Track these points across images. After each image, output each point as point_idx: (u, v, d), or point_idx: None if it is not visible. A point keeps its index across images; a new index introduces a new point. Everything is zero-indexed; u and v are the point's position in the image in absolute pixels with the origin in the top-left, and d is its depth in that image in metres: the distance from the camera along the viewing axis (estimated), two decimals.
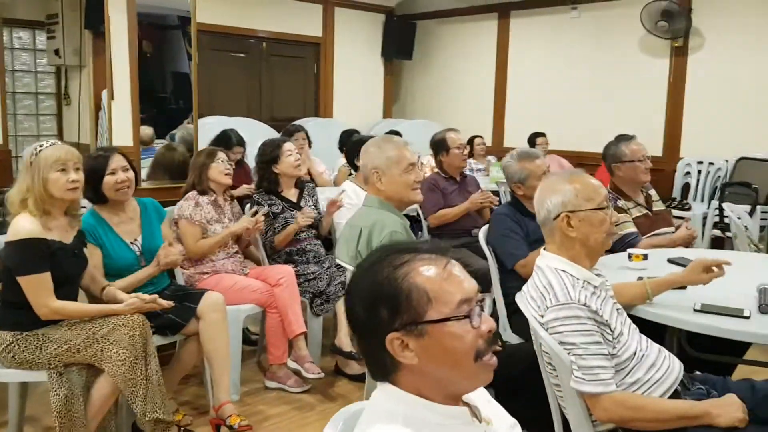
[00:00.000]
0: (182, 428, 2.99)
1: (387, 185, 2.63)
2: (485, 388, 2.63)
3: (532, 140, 7.54)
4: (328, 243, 4.38)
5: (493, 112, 8.57)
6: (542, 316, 2.01)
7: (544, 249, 2.16)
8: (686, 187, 6.98)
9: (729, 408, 1.90)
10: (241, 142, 5.34)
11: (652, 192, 3.81)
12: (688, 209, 6.46)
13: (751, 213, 5.68)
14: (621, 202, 3.55)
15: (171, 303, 2.94)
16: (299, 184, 4.23)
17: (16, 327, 2.70)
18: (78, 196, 2.80)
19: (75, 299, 2.84)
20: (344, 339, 3.76)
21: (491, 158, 7.47)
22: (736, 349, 2.79)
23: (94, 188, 3.05)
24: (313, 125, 7.36)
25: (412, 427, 1.18)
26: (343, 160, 5.68)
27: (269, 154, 4.09)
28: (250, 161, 5.16)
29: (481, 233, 3.48)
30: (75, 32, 5.60)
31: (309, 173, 5.75)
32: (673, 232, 3.60)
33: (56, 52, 5.89)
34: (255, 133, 6.24)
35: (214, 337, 3.13)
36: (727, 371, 2.87)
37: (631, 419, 1.92)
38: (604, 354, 1.93)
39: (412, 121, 8.57)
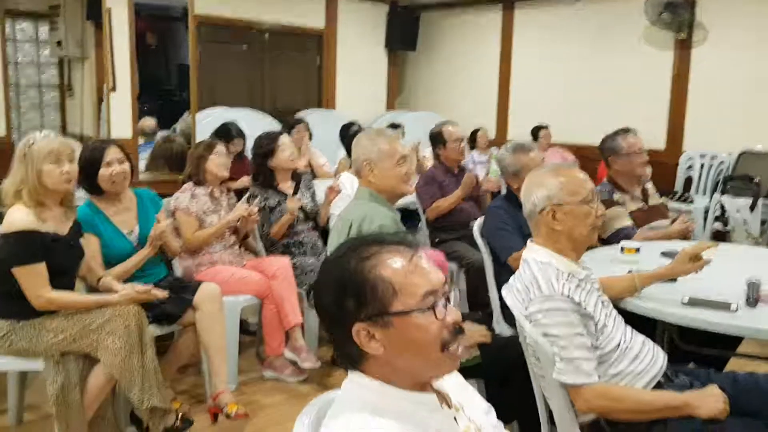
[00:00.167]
0: (180, 416, 3.02)
1: (379, 177, 2.65)
2: (474, 378, 2.68)
3: (535, 133, 7.54)
4: (326, 235, 4.39)
5: (497, 104, 8.57)
6: (526, 308, 2.03)
7: (531, 242, 2.18)
8: (688, 181, 6.97)
9: (710, 399, 1.92)
10: (242, 135, 5.35)
11: (649, 185, 3.82)
12: (690, 202, 6.46)
13: (753, 206, 5.67)
14: (617, 195, 3.56)
15: (165, 293, 2.97)
16: (295, 177, 4.25)
17: (12, 316, 2.74)
18: (72, 187, 2.83)
19: (71, 290, 2.87)
20: None
21: (494, 150, 7.47)
22: (729, 342, 2.80)
23: (89, 180, 3.08)
24: (316, 117, 7.37)
25: (380, 415, 1.21)
26: (343, 152, 5.70)
27: (264, 148, 4.11)
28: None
29: (476, 226, 3.49)
30: (77, 24, 5.61)
31: (310, 165, 5.77)
32: (669, 225, 3.60)
33: (59, 43, 5.90)
34: (257, 124, 6.26)
35: (210, 327, 3.16)
36: (721, 364, 2.88)
37: (612, 410, 1.95)
38: (587, 346, 1.95)
39: (415, 113, 8.56)
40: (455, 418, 1.31)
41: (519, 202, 3.34)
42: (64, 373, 2.70)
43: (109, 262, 3.10)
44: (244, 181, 4.79)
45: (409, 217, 5.40)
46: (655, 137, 7.07)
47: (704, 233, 6.17)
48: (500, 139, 8.15)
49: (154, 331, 3.05)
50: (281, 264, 3.78)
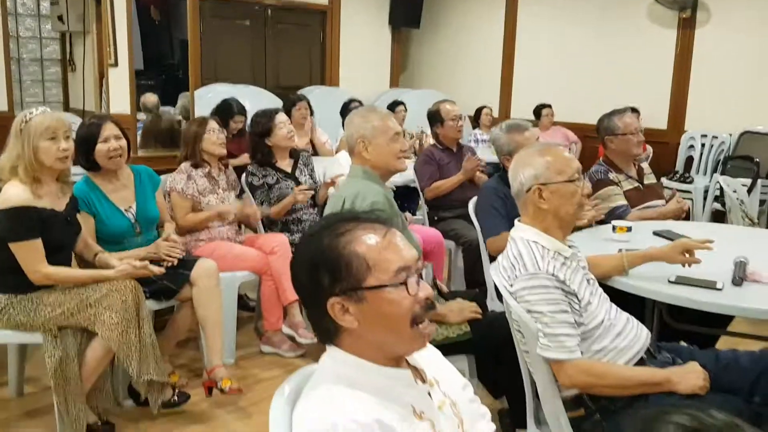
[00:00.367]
0: (177, 389, 3.06)
1: (373, 154, 2.65)
2: (465, 354, 2.71)
3: (538, 111, 7.55)
4: None
5: (501, 82, 8.55)
6: (512, 286, 2.06)
7: (518, 221, 2.21)
8: (689, 161, 6.97)
9: (690, 375, 1.95)
10: (243, 111, 5.36)
11: (645, 165, 3.83)
12: (690, 182, 6.46)
13: (752, 187, 5.68)
14: (612, 175, 3.57)
15: (162, 269, 2.99)
16: (294, 154, 4.24)
17: (10, 290, 2.78)
18: (68, 164, 2.84)
19: (68, 265, 2.90)
20: None
21: None
22: (720, 320, 2.82)
23: (86, 156, 3.09)
24: (319, 94, 7.37)
25: (356, 388, 1.25)
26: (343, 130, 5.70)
27: (262, 126, 4.08)
28: None
29: (471, 204, 3.51)
30: None
31: (311, 143, 5.78)
32: (663, 205, 3.62)
33: (60, 18, 5.89)
34: (259, 101, 6.26)
35: (206, 303, 3.18)
36: (711, 342, 2.91)
37: (594, 385, 1.98)
38: (570, 322, 1.98)
39: (419, 90, 8.55)
40: (429, 393, 1.34)
41: None
42: (62, 347, 2.74)
43: (107, 239, 3.12)
44: (245, 158, 4.81)
45: (408, 195, 5.42)
46: (657, 117, 7.07)
47: (703, 214, 6.19)
48: (503, 118, 8.13)
49: (151, 306, 3.09)
50: (280, 240, 3.80)
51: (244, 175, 4.12)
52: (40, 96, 6.25)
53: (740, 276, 2.37)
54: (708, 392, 1.95)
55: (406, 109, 6.75)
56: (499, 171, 3.63)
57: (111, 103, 4.77)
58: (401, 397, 1.28)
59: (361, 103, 5.93)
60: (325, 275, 1.27)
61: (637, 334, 2.12)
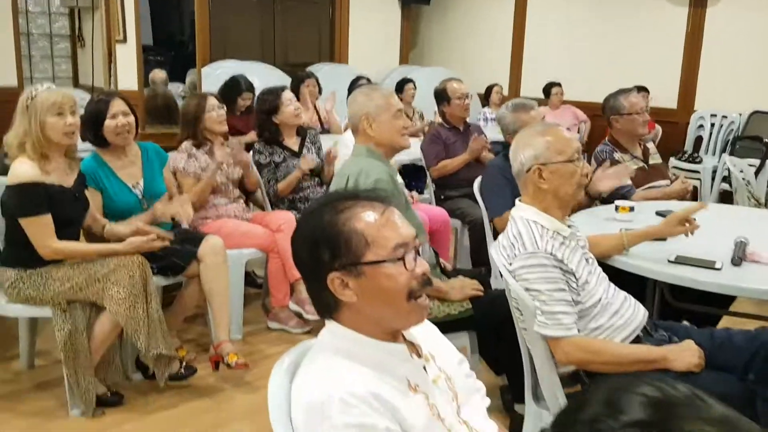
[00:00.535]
0: (185, 363, 3.12)
1: (377, 131, 2.67)
2: (467, 330, 2.75)
3: (548, 90, 7.53)
4: None
5: (511, 60, 8.51)
6: (511, 264, 2.08)
7: (519, 200, 2.23)
8: (698, 141, 6.94)
9: (685, 353, 1.98)
10: (251, 88, 5.36)
11: (650, 145, 3.83)
12: (699, 162, 6.44)
13: (760, 167, 5.64)
14: (618, 155, 3.58)
15: (170, 236, 3.01)
16: (301, 132, 4.25)
17: (20, 265, 2.83)
18: (75, 140, 2.88)
19: (77, 240, 2.95)
20: None
21: None
22: (723, 300, 2.85)
23: (95, 132, 3.12)
24: (328, 71, 7.36)
25: (353, 361, 1.29)
26: None
27: (268, 104, 4.07)
28: None
29: (476, 184, 3.53)
30: None
31: (319, 120, 5.79)
32: (668, 185, 3.63)
33: None
34: (268, 78, 6.26)
35: (213, 279, 3.22)
36: (714, 322, 2.94)
37: (590, 362, 2.01)
38: (567, 300, 2.01)
39: (428, 68, 8.51)
40: (425, 368, 1.38)
41: None
42: (71, 321, 2.80)
43: (114, 215, 3.15)
44: (252, 136, 4.82)
45: (416, 173, 5.44)
46: (667, 96, 7.03)
47: (711, 194, 6.18)
48: (513, 96, 8.08)
49: (159, 282, 3.14)
50: (286, 218, 3.83)
51: (251, 152, 4.14)
52: (49, 72, 6.26)
53: (740, 256, 2.39)
54: (703, 370, 1.98)
55: (415, 87, 6.74)
56: (505, 150, 3.64)
57: (119, 79, 4.79)
58: (397, 371, 1.32)
59: (369, 81, 5.92)
60: (325, 251, 1.31)
61: (633, 313, 2.15)
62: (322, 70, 7.02)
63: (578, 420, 0.71)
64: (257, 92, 5.44)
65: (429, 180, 4.74)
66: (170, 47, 7.02)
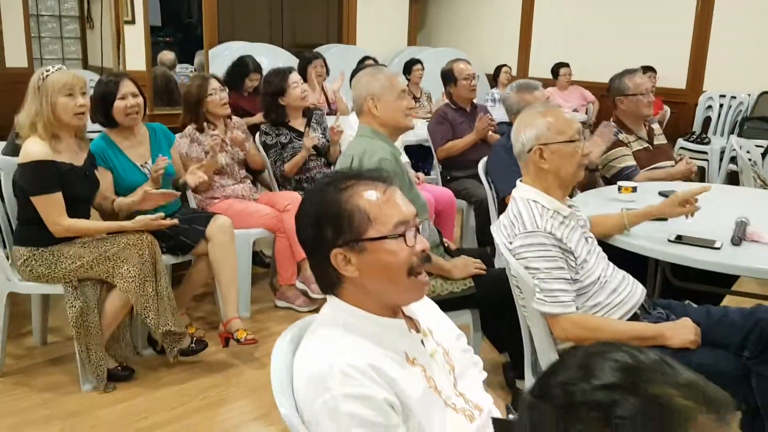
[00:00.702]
0: (194, 340, 3.18)
1: (382, 111, 2.70)
2: (469, 308, 2.79)
3: (556, 71, 7.51)
4: None
5: (519, 41, 8.49)
6: (511, 243, 2.12)
7: (520, 181, 2.26)
8: (707, 121, 6.92)
9: (682, 330, 2.02)
10: (259, 69, 5.37)
11: (655, 126, 3.83)
12: (707, 143, 6.43)
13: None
14: (622, 135, 3.59)
15: (175, 221, 3.07)
16: (307, 113, 4.27)
17: (33, 243, 2.89)
18: (85, 120, 2.93)
19: (87, 218, 3.01)
20: None
21: None
22: (725, 280, 2.87)
23: (104, 112, 3.17)
24: (336, 52, 7.36)
25: (353, 334, 1.34)
26: None
27: (275, 86, 4.08)
28: None
29: (481, 164, 3.56)
30: None
31: (326, 101, 5.81)
32: (672, 166, 3.64)
33: None
34: (276, 59, 6.28)
35: (221, 258, 3.28)
36: (717, 302, 2.96)
37: (588, 338, 2.04)
38: (566, 278, 2.05)
39: (437, 49, 8.50)
40: (422, 342, 1.43)
41: None
42: (82, 298, 2.86)
43: (123, 194, 3.19)
44: (260, 117, 4.84)
45: (423, 154, 5.46)
46: (676, 77, 7.01)
47: (719, 175, 6.17)
48: (522, 77, 8.07)
49: (168, 260, 3.20)
50: (293, 198, 3.87)
51: (257, 134, 4.18)
52: (58, 53, 6.30)
53: (739, 236, 2.41)
54: (699, 347, 2.01)
55: (423, 68, 6.74)
56: (511, 130, 3.66)
57: (127, 60, 4.81)
58: (395, 344, 1.36)
59: (376, 62, 5.92)
60: (328, 228, 1.35)
61: (631, 291, 2.19)
62: (330, 51, 7.02)
63: (554, 383, 0.75)
64: (265, 73, 5.48)
65: (435, 161, 4.76)
66: (179, 28, 7.03)
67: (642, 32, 7.23)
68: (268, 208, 3.84)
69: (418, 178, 4.45)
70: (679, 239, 2.42)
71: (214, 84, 3.77)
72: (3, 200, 3.05)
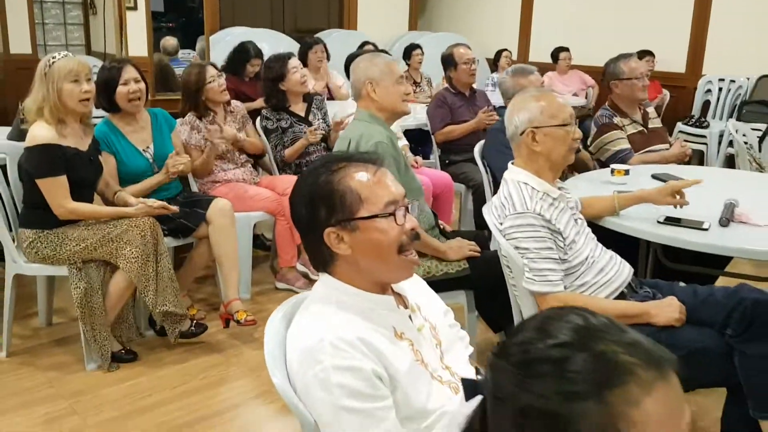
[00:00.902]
0: (195, 321, 3.25)
1: (381, 96, 2.74)
2: (464, 289, 2.85)
3: (556, 55, 7.52)
4: None
5: (519, 25, 8.50)
6: (501, 224, 2.18)
7: (512, 163, 2.31)
8: (706, 105, 6.94)
9: (667, 309, 2.08)
10: (260, 55, 5.40)
11: (650, 109, 3.88)
12: (706, 127, 6.45)
13: (767, 132, 5.67)
14: (617, 119, 3.64)
15: (176, 208, 3.14)
16: (307, 98, 4.31)
17: (38, 225, 2.96)
18: (90, 107, 2.99)
19: (91, 202, 3.07)
20: None
21: None
22: (717, 261, 2.92)
23: (107, 98, 3.23)
24: (337, 37, 7.38)
25: (343, 309, 1.40)
26: None
27: (275, 71, 4.12)
28: None
29: (477, 148, 3.60)
30: None
31: (327, 87, 5.85)
32: (667, 149, 3.68)
33: None
34: (278, 44, 6.30)
35: (222, 240, 3.34)
36: (710, 283, 3.01)
37: None
38: (554, 258, 2.11)
39: (437, 33, 8.51)
40: (410, 317, 1.49)
41: None
42: (86, 279, 2.93)
43: (126, 179, 3.28)
44: (261, 102, 4.88)
45: (422, 138, 5.51)
46: (675, 61, 7.03)
47: (717, 159, 6.20)
48: (522, 61, 8.10)
49: (169, 242, 3.27)
50: (293, 182, 3.89)
51: (258, 119, 4.22)
52: (62, 39, 6.35)
53: (727, 217, 2.46)
54: (685, 325, 2.07)
55: (422, 53, 6.76)
56: None
57: (129, 46, 4.84)
58: (384, 319, 1.42)
59: (375, 47, 5.95)
60: (321, 208, 1.41)
61: (618, 271, 2.24)
62: (331, 37, 7.05)
63: (513, 343, 0.82)
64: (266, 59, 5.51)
65: (434, 145, 4.80)
66: (181, 14, 7.05)
67: (642, 16, 7.23)
68: (268, 191, 3.90)
69: (417, 162, 4.50)
70: (668, 220, 2.47)
71: (212, 71, 3.80)
72: (8, 184, 3.12)
